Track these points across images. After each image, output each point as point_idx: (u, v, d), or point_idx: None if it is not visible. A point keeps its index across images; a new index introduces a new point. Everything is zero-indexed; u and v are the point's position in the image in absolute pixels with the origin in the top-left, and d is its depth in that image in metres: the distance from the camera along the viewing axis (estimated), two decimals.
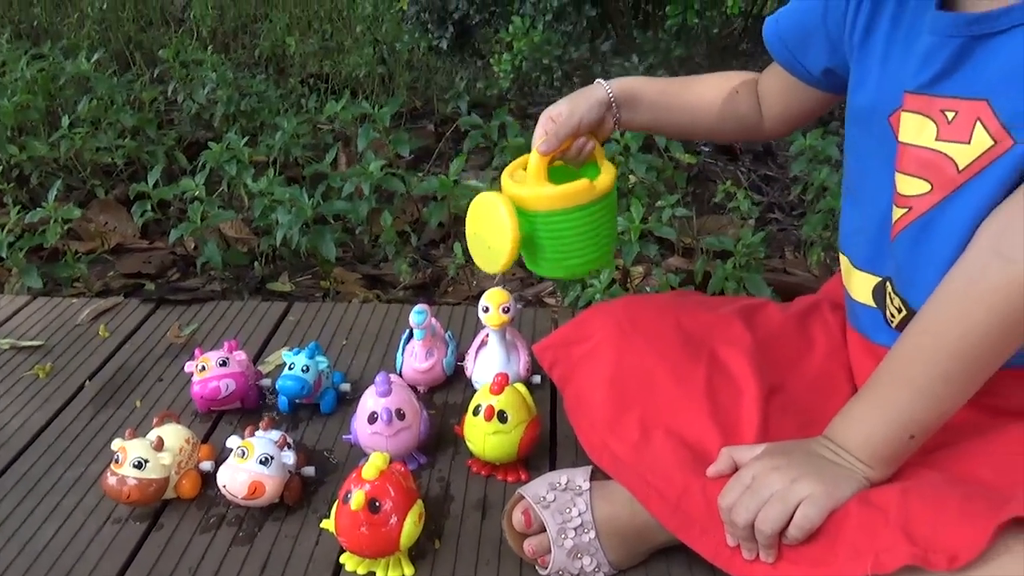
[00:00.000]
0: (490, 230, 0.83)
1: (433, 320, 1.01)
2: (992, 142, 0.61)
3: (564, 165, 0.87)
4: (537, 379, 1.02)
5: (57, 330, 1.18)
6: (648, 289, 1.40)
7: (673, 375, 0.79)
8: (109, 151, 1.76)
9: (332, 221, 1.52)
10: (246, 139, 1.61)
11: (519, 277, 1.52)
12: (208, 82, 1.94)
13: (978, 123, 0.62)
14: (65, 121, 1.70)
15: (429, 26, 1.92)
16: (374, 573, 0.75)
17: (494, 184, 1.49)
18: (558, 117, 0.85)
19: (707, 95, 0.91)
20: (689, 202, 1.71)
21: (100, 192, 1.75)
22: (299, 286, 1.51)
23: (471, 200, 0.86)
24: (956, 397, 0.62)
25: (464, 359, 1.03)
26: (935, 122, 0.65)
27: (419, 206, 1.67)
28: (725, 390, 0.77)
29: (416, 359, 0.99)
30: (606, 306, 0.91)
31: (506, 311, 0.97)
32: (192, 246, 1.61)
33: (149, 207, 1.51)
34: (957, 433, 0.68)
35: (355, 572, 0.75)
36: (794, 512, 0.61)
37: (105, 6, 2.77)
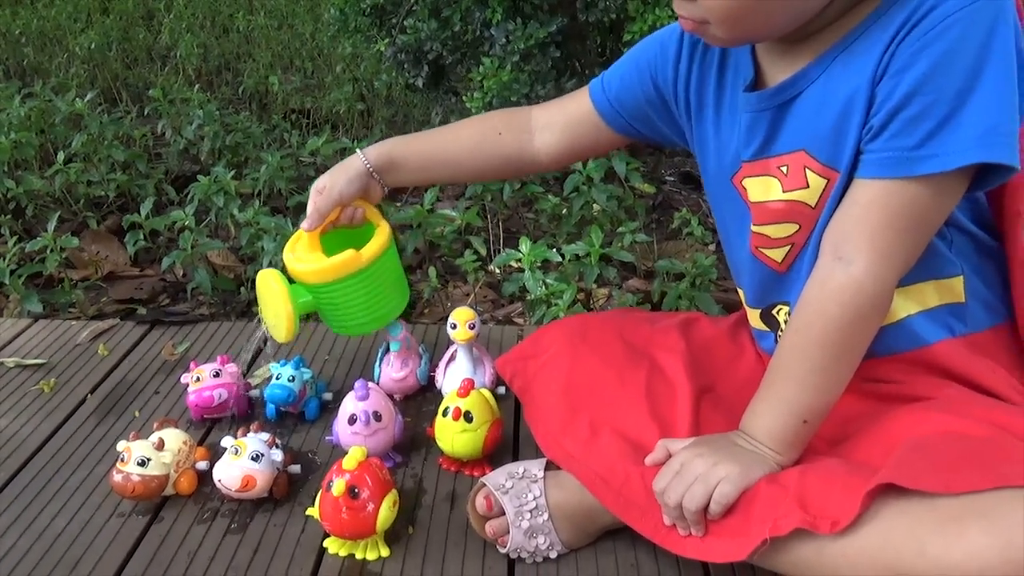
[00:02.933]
0: (271, 304, 0.92)
1: (408, 335, 1.11)
2: (824, 180, 0.75)
3: (344, 229, 0.95)
4: (502, 390, 1.12)
5: (58, 350, 1.27)
6: (608, 309, 1.51)
7: (618, 381, 0.89)
8: (101, 184, 1.85)
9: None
10: (232, 172, 1.71)
11: (491, 299, 1.62)
12: (195, 119, 2.05)
13: (807, 169, 0.76)
14: (61, 157, 1.79)
15: (406, 66, 2.03)
16: (353, 555, 0.85)
17: (466, 213, 1.60)
18: (322, 191, 0.94)
19: (466, 144, 1.01)
20: (653, 228, 1.82)
21: (92, 223, 1.84)
22: None
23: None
24: (832, 382, 0.74)
25: (435, 371, 1.13)
26: (777, 179, 0.79)
27: (396, 234, 1.77)
28: (663, 392, 0.88)
29: (392, 369, 1.09)
30: (558, 323, 1.03)
31: (472, 327, 1.07)
32: (181, 273, 1.70)
33: (141, 236, 1.60)
34: (855, 424, 0.79)
35: (337, 554, 0.85)
36: (711, 491, 0.72)
37: (92, 45, 2.87)
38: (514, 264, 1.50)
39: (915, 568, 0.62)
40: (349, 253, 0.91)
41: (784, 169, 0.78)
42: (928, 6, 0.67)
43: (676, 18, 1.59)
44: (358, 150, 0.98)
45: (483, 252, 1.62)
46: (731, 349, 0.96)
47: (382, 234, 0.95)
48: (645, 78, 0.90)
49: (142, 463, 0.88)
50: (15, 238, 1.58)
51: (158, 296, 1.68)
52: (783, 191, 0.78)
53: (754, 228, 0.83)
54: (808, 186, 0.76)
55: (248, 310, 1.59)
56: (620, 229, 1.52)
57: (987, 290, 0.80)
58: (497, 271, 1.65)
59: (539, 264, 1.43)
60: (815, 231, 0.77)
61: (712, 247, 1.72)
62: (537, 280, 1.42)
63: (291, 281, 0.94)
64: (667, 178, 2.12)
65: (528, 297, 1.46)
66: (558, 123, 0.98)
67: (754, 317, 0.90)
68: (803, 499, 0.68)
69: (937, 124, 0.67)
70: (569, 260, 1.45)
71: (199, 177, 1.71)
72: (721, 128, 0.85)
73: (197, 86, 2.47)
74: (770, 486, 0.71)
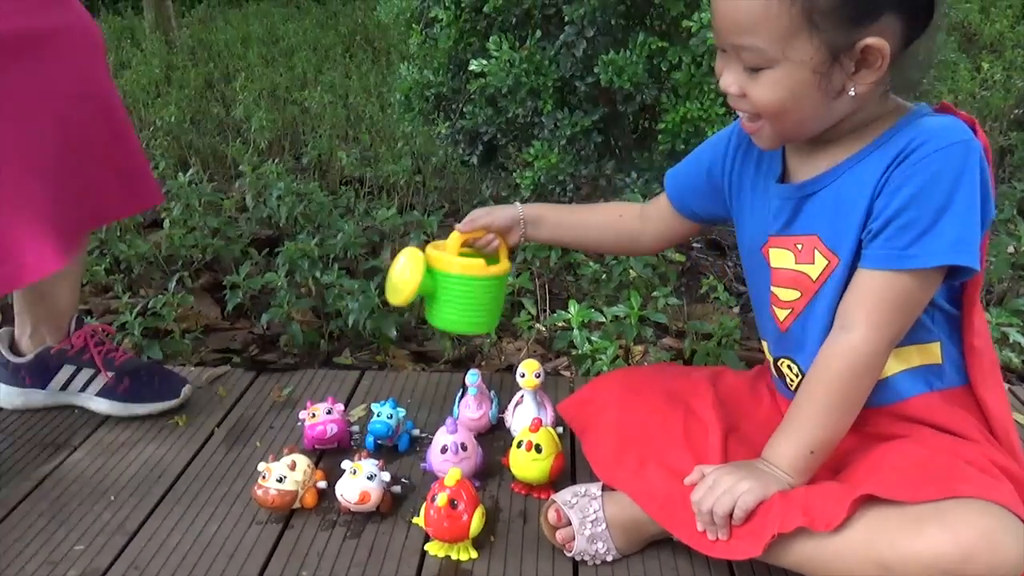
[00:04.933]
0: (404, 272, 1.15)
1: (482, 382, 1.34)
2: (827, 261, 0.98)
3: (475, 252, 1.19)
4: (560, 429, 1.34)
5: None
6: (645, 363, 1.73)
7: (660, 423, 1.11)
8: (197, 247, 2.12)
9: (380, 307, 1.85)
10: (316, 239, 1.97)
11: (539, 354, 1.85)
12: (276, 190, 2.32)
13: (816, 250, 0.99)
14: (167, 225, 2.06)
15: (462, 145, 2.30)
16: (449, 556, 1.06)
17: (519, 277, 1.83)
18: (482, 214, 1.20)
19: (594, 218, 1.28)
20: (682, 292, 2.05)
21: (188, 281, 2.10)
22: (359, 360, 1.84)
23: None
24: (835, 422, 0.96)
25: (504, 412, 1.35)
26: (792, 252, 1.02)
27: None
28: (697, 431, 1.10)
29: (470, 410, 1.32)
30: (609, 375, 1.27)
31: (538, 376, 1.29)
32: (265, 326, 1.95)
33: (240, 294, 1.85)
34: (849, 457, 1.01)
35: (436, 555, 1.07)
36: (738, 500, 0.93)
37: (172, 119, 3.18)
38: (559, 323, 1.73)
39: (888, 557, 0.84)
40: (477, 261, 1.14)
41: (799, 246, 1.01)
42: (914, 145, 0.90)
43: (703, 110, 1.83)
44: (516, 203, 1.24)
45: (533, 312, 1.85)
46: (751, 397, 1.18)
47: (503, 265, 1.17)
48: (703, 170, 1.15)
49: (280, 480, 1.11)
50: (127, 294, 1.84)
51: (249, 347, 1.92)
52: (795, 263, 1.01)
53: (772, 288, 1.06)
54: (814, 263, 0.99)
55: (328, 360, 1.83)
56: (654, 293, 1.74)
57: (959, 355, 1.02)
58: (543, 329, 1.88)
59: (585, 323, 1.66)
60: (812, 303, 1.00)
61: (736, 310, 1.94)
62: (583, 337, 1.64)
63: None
64: (695, 244, 2.35)
65: (574, 352, 1.68)
66: (653, 215, 1.24)
67: (772, 366, 1.12)
68: (805, 507, 0.90)
69: (920, 233, 0.90)
70: (611, 320, 1.68)
71: (286, 243, 1.96)
72: (755, 208, 1.08)
73: (271, 157, 2.76)
74: (783, 499, 0.93)
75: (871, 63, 0.88)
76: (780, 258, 1.04)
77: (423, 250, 1.18)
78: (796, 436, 0.97)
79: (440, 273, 1.15)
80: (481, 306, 1.16)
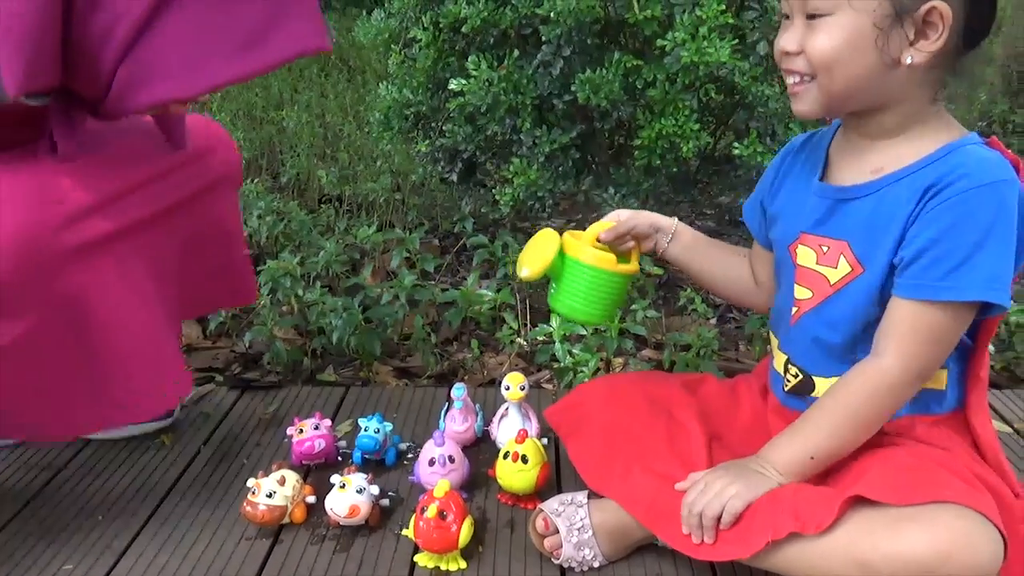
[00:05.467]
0: (537, 251, 1.17)
1: (468, 396, 1.36)
2: (850, 269, 1.00)
3: (608, 248, 1.19)
4: (545, 440, 1.36)
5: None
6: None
7: (644, 429, 1.14)
8: None
9: (363, 324, 1.87)
10: (298, 258, 1.98)
11: (521, 367, 1.87)
12: (256, 209, 2.33)
13: (842, 256, 1.01)
14: None
15: (441, 162, 2.33)
16: (439, 567, 1.08)
17: (500, 292, 1.86)
18: (626, 213, 1.19)
19: (721, 251, 1.25)
20: (660, 304, 2.08)
21: None
22: (343, 376, 1.85)
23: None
24: (843, 434, 0.98)
25: (490, 425, 1.37)
26: (815, 252, 1.04)
27: (438, 311, 2.03)
28: (680, 436, 1.12)
29: (456, 423, 1.33)
30: (594, 383, 1.28)
31: (522, 389, 1.32)
32: (248, 345, 1.95)
33: (222, 313, 1.86)
34: (838, 463, 1.03)
35: (425, 567, 1.08)
36: (726, 502, 0.96)
37: None
38: (540, 338, 1.76)
39: (870, 558, 0.87)
40: (610, 256, 1.16)
41: (825, 248, 1.03)
42: (953, 178, 0.91)
43: (678, 126, 1.86)
44: (675, 219, 1.23)
45: (515, 326, 1.87)
46: (733, 404, 1.21)
47: (633, 266, 1.19)
48: (758, 201, 1.18)
49: (270, 495, 1.12)
50: None
51: (231, 365, 1.93)
52: (815, 263, 1.04)
53: (795, 284, 1.07)
54: (836, 267, 1.01)
55: (312, 377, 1.84)
56: (633, 306, 1.77)
57: (960, 382, 1.04)
58: (525, 343, 1.90)
59: (566, 336, 1.69)
60: (821, 305, 1.02)
61: (713, 321, 1.98)
62: (565, 351, 1.67)
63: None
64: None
65: (556, 365, 1.71)
66: (753, 256, 1.23)
67: (779, 362, 1.13)
68: (795, 510, 0.92)
69: (956, 265, 0.91)
70: (592, 333, 1.71)
71: (266, 261, 1.97)
72: (792, 203, 1.10)
73: (247, 177, 2.76)
74: (771, 502, 0.95)
75: (931, 32, 0.91)
76: (805, 256, 1.05)
77: (561, 235, 1.20)
78: (800, 439, 0.99)
79: (572, 260, 1.16)
80: (603, 299, 1.17)
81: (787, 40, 0.97)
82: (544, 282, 1.21)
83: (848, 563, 0.89)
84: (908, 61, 0.92)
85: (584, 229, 1.19)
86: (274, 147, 3.41)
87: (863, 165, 1.01)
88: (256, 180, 2.68)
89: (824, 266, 1.03)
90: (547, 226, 1.25)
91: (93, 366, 1.07)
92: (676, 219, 1.22)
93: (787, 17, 0.98)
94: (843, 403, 0.98)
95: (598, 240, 1.19)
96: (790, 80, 1.00)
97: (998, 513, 0.89)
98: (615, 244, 1.20)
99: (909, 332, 0.95)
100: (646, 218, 1.20)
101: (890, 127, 0.99)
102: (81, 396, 1.07)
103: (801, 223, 1.07)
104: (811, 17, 0.95)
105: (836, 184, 1.04)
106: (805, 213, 1.06)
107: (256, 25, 0.98)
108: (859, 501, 0.91)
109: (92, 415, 1.11)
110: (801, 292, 1.06)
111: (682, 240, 1.21)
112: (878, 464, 0.98)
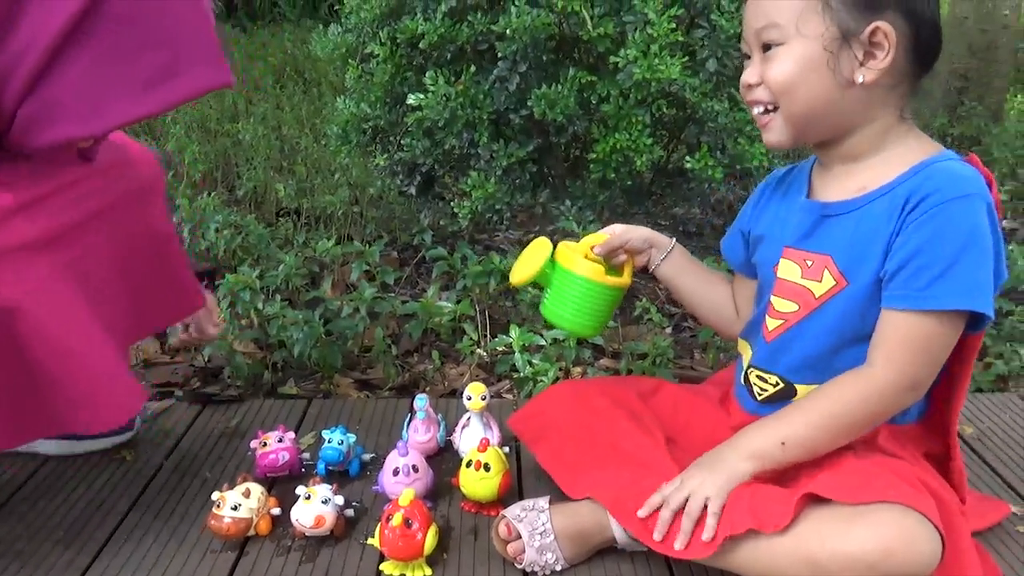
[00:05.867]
0: (530, 259, 1.20)
1: (430, 406, 1.38)
2: (835, 282, 1.05)
3: (601, 261, 1.22)
4: (507, 449, 1.38)
5: None
6: None
7: (607, 431, 1.17)
8: None
9: (324, 336, 1.88)
10: (257, 272, 1.98)
11: (481, 378, 1.89)
12: (213, 222, 2.32)
13: (826, 270, 1.06)
14: None
15: (400, 176, 2.35)
16: (404, 575, 1.10)
17: (459, 304, 1.89)
18: (621, 228, 1.22)
19: (708, 275, 1.29)
20: (617, 314, 2.12)
21: None
22: (304, 389, 1.86)
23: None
24: (819, 430, 1.02)
25: (452, 435, 1.39)
26: (799, 266, 1.08)
27: (399, 323, 2.05)
28: (642, 437, 1.16)
29: (419, 434, 1.35)
30: (555, 388, 1.31)
31: (484, 399, 1.34)
32: (207, 359, 1.95)
33: (180, 328, 1.85)
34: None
35: (391, 574, 1.10)
36: (704, 501, 0.99)
37: None
38: (500, 348, 1.79)
39: (818, 555, 0.92)
40: (600, 267, 1.18)
41: (809, 263, 1.07)
42: (927, 191, 0.95)
43: (632, 140, 1.91)
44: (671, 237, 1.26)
45: (475, 337, 1.90)
46: (687, 411, 1.25)
47: (624, 279, 1.21)
48: (739, 231, 1.22)
49: (235, 508, 1.13)
50: None
51: (190, 379, 1.92)
52: (800, 276, 1.08)
53: (772, 297, 1.11)
54: (821, 281, 1.05)
55: (274, 390, 1.84)
56: None
57: (928, 397, 1.08)
58: (485, 354, 1.93)
59: (526, 347, 1.72)
60: (807, 319, 1.06)
61: (668, 330, 2.03)
62: (525, 360, 1.70)
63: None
64: None
65: (516, 375, 1.74)
66: (736, 290, 1.27)
67: (742, 376, 1.17)
68: (753, 509, 0.97)
69: (938, 275, 0.95)
70: (551, 343, 1.74)
71: (224, 274, 1.97)
72: (776, 223, 1.14)
73: (205, 190, 2.75)
74: (729, 500, 0.99)
75: (878, 52, 0.97)
76: (787, 270, 1.09)
77: (555, 245, 1.22)
78: (776, 423, 1.03)
79: (563, 270, 1.19)
80: (593, 310, 1.19)
81: (748, 74, 1.03)
82: (505, 292, 1.24)
83: (797, 562, 0.93)
84: (860, 80, 0.98)
85: (543, 242, 1.23)
86: (230, 160, 3.39)
87: (848, 184, 1.05)
88: (212, 193, 2.67)
89: (809, 280, 1.07)
90: (513, 238, 1.29)
91: (24, 377, 1.03)
92: (674, 239, 1.27)
93: (748, 57, 1.04)
94: (830, 399, 1.02)
95: (592, 252, 1.22)
96: (756, 111, 1.05)
97: (938, 515, 0.94)
98: (608, 257, 1.23)
99: (899, 343, 0.99)
100: (641, 233, 1.24)
101: (864, 149, 1.04)
102: (7, 406, 1.04)
103: (785, 238, 1.11)
104: (766, 48, 1.01)
105: (821, 200, 1.09)
106: (790, 229, 1.11)
107: (160, 63, 0.99)
108: (811, 501, 0.95)
109: (27, 424, 1.08)
110: (786, 305, 1.09)
111: (676, 260, 1.25)
112: (829, 466, 1.03)
